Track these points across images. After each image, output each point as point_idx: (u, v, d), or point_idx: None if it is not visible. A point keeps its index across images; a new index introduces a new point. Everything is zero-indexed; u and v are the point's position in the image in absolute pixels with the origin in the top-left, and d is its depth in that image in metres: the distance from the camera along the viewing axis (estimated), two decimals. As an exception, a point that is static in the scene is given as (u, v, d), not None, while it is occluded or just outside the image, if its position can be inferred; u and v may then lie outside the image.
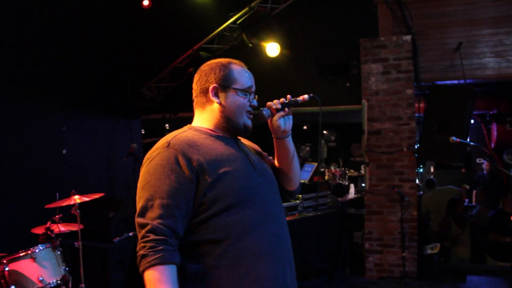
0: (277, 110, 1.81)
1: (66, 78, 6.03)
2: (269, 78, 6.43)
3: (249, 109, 1.80)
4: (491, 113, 8.77)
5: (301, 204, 5.25)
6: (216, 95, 1.78)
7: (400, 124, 5.70)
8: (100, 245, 4.72)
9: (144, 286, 1.53)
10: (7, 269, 3.45)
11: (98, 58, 6.61)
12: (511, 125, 8.64)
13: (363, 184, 6.65)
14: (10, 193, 5.09)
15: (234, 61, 1.84)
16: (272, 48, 5.91)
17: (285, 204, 5.05)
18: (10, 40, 5.31)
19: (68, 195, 4.01)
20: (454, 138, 3.75)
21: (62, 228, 3.94)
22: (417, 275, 5.52)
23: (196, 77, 1.83)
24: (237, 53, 6.57)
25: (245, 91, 1.79)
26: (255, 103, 1.83)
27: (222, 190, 1.62)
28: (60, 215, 3.91)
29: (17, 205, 5.09)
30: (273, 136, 1.89)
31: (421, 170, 9.59)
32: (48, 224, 3.79)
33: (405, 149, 5.66)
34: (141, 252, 1.52)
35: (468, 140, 5.10)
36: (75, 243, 4.03)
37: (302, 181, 5.68)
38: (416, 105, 5.74)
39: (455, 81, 5.78)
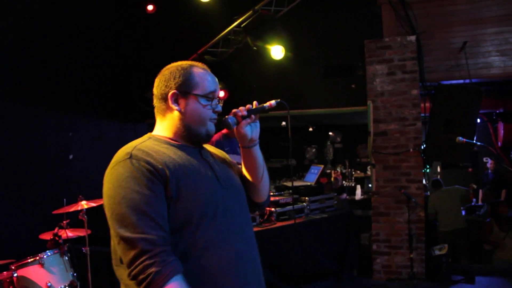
0: (243, 117, 1.70)
1: (72, 83, 6.08)
2: (274, 81, 6.46)
3: (213, 116, 1.69)
4: (497, 111, 8.72)
5: (308, 207, 5.23)
6: (176, 101, 1.66)
7: (406, 125, 5.68)
8: (107, 250, 4.70)
9: None
10: (15, 275, 3.47)
11: (104, 63, 6.66)
12: (518, 124, 8.59)
13: (370, 185, 6.63)
14: (18, 199, 5.13)
15: (196, 63, 1.73)
16: (276, 51, 5.93)
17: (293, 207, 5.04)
18: (17, 44, 5.36)
19: (76, 201, 4.04)
20: (460, 138, 3.72)
21: (70, 233, 3.97)
22: (425, 277, 5.49)
23: (156, 82, 1.71)
24: (242, 56, 6.59)
25: (207, 97, 1.67)
26: (219, 108, 1.71)
27: (182, 204, 1.52)
28: (67, 221, 3.94)
29: (25, 211, 5.13)
30: (239, 145, 1.78)
31: (428, 170, 9.54)
32: (56, 230, 3.83)
33: (411, 150, 5.63)
34: (153, 269, 1.41)
35: (474, 139, 5.06)
36: (83, 249, 4.06)
37: (309, 184, 5.65)
38: (422, 105, 5.71)
39: (461, 81, 5.76)
